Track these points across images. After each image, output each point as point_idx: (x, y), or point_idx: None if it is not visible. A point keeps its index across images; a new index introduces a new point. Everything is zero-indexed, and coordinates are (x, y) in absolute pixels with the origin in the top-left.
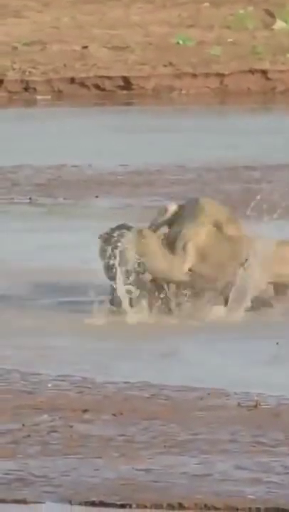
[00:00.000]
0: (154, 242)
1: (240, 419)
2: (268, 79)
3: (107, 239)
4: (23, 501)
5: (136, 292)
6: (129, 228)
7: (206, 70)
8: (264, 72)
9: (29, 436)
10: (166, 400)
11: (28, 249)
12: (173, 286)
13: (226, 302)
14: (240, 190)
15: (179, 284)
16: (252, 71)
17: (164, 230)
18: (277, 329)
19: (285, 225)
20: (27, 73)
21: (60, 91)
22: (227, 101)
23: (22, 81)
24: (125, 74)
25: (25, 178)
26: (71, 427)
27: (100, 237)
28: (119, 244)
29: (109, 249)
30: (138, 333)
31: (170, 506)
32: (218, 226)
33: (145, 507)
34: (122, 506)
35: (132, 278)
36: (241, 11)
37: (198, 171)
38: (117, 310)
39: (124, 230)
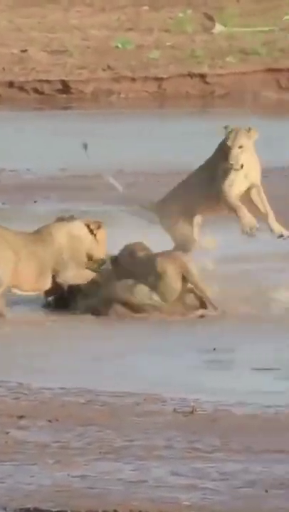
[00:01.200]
0: None
1: (176, 425)
2: (206, 83)
3: None
4: None
5: None
6: None
7: (144, 74)
8: (202, 75)
9: None
10: (103, 405)
11: None
12: None
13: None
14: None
15: None
16: (190, 75)
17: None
18: (214, 335)
19: None
20: None
21: None
22: (165, 105)
23: None
24: (64, 78)
25: None
26: (7, 433)
27: None
28: None
29: None
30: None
31: None
32: None
33: None
34: None
35: None
36: (180, 15)
37: (136, 176)
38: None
39: None
